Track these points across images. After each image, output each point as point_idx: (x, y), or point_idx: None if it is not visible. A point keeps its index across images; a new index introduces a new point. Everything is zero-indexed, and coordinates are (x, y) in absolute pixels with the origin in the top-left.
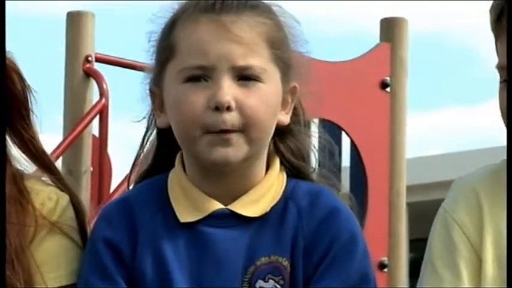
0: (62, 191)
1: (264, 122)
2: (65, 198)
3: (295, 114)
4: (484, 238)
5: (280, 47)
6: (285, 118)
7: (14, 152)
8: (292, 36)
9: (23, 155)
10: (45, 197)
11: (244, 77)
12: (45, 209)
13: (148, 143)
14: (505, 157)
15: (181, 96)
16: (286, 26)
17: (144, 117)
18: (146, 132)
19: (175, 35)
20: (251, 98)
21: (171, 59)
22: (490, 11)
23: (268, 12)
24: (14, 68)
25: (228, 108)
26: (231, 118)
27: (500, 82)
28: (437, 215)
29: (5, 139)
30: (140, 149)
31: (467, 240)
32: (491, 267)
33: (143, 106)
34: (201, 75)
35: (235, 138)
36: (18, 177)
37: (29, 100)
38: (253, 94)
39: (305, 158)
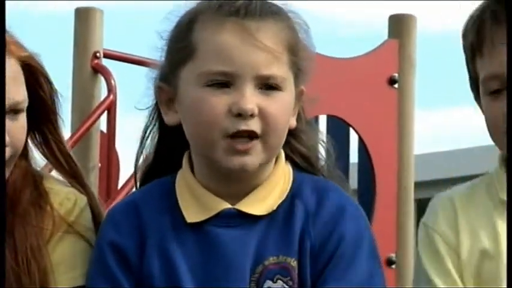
0: (81, 192)
1: (282, 129)
2: (83, 200)
3: (298, 115)
4: (461, 239)
5: (297, 54)
6: (293, 121)
7: (35, 153)
8: (305, 42)
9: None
10: (64, 197)
11: (266, 85)
12: (63, 209)
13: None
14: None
15: (201, 99)
16: (301, 32)
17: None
18: (147, 128)
19: (195, 36)
20: (273, 106)
21: (189, 60)
22: (468, 32)
23: (287, 18)
24: (41, 72)
25: (251, 116)
26: (253, 124)
27: (489, 93)
28: (419, 231)
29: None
30: (141, 145)
31: (449, 248)
32: (468, 261)
33: (147, 100)
34: (223, 81)
35: (253, 147)
36: (38, 179)
37: (56, 104)
38: (275, 102)
39: (312, 156)
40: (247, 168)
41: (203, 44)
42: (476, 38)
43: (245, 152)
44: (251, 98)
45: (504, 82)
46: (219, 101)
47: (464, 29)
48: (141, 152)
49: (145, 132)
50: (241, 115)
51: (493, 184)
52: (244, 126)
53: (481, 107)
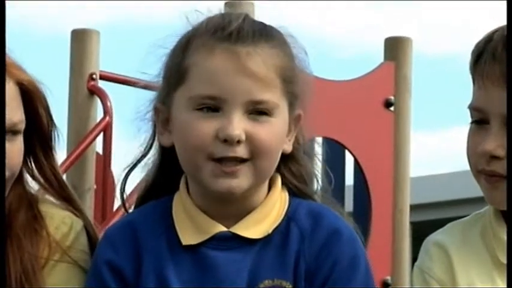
0: (76, 215)
1: (272, 153)
2: (79, 223)
3: (296, 140)
4: (458, 285)
5: (291, 80)
6: (288, 146)
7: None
8: (301, 67)
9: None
10: (60, 221)
11: (256, 110)
12: (59, 233)
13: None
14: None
15: (190, 123)
16: (297, 57)
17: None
18: (144, 155)
19: (187, 59)
20: (261, 131)
21: (181, 83)
22: (471, 53)
23: (282, 43)
24: (40, 98)
25: (238, 142)
26: (240, 150)
27: (472, 120)
28: (414, 275)
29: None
30: (134, 165)
31: None
32: None
33: (144, 125)
34: (212, 105)
35: (241, 170)
36: (33, 202)
37: (52, 138)
38: (264, 128)
39: (307, 182)
40: (234, 191)
41: (194, 68)
42: (473, 65)
43: (232, 174)
44: (238, 124)
45: (482, 117)
46: (207, 126)
47: (473, 49)
48: (131, 171)
49: (143, 153)
50: (227, 141)
51: (488, 232)
52: (231, 153)
53: None
